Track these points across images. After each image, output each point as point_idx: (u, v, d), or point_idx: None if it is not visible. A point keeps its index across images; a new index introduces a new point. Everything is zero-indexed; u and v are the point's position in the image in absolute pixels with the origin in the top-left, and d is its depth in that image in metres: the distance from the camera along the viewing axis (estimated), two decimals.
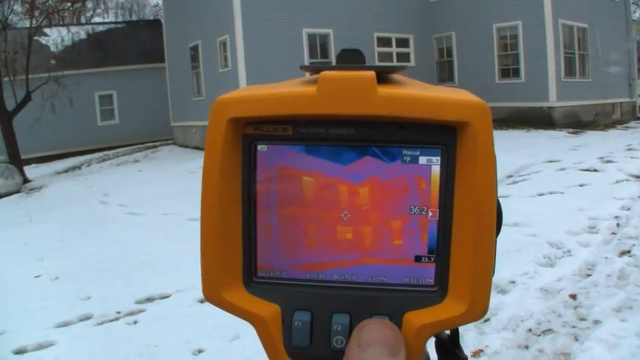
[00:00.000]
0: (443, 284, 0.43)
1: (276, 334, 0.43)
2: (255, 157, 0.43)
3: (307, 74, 0.46)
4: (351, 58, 0.44)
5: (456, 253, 0.42)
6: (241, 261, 0.44)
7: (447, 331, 0.49)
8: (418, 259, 0.43)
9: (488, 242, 0.41)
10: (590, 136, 18.67)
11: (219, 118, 0.42)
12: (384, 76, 0.44)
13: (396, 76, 0.47)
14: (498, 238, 0.45)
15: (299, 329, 0.42)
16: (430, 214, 0.42)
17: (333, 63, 0.44)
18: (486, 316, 5.07)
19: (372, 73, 0.40)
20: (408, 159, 0.42)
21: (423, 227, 0.43)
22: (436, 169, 0.42)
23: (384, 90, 0.40)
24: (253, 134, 0.43)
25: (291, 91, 0.41)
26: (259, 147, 0.43)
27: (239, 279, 0.44)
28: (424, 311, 0.42)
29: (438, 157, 0.42)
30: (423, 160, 0.42)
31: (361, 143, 0.42)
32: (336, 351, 0.41)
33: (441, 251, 0.43)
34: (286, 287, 0.43)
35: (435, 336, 0.48)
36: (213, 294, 0.43)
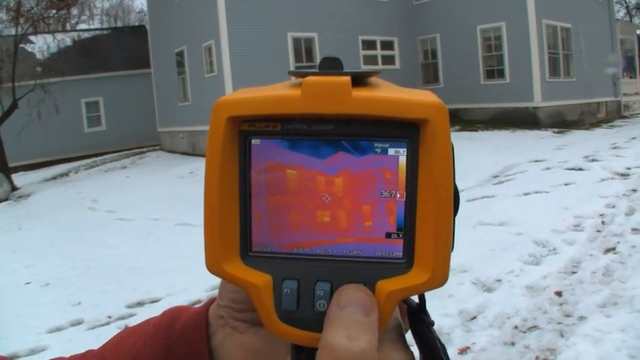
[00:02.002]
0: (409, 257, 0.50)
1: (268, 299, 0.50)
2: (250, 150, 0.51)
3: (293, 78, 0.53)
4: (331, 65, 0.50)
5: (420, 230, 0.49)
6: (238, 239, 0.51)
7: (416, 300, 0.56)
8: (388, 235, 0.50)
9: (447, 219, 0.48)
10: (576, 136, 18.79)
11: (219, 116, 0.50)
12: (361, 80, 0.51)
13: (373, 79, 0.53)
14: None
15: (288, 295, 0.50)
16: (398, 195, 0.49)
17: (317, 67, 0.52)
18: (473, 314, 5.16)
19: (347, 78, 0.48)
20: (379, 150, 0.49)
21: (391, 210, 0.50)
22: (403, 159, 0.49)
23: (357, 92, 0.48)
24: (248, 130, 0.50)
25: (280, 93, 0.49)
26: (253, 141, 0.50)
27: (236, 253, 0.51)
28: (393, 279, 0.49)
29: (405, 149, 0.49)
30: (391, 151, 0.49)
31: (339, 137, 0.49)
32: (319, 313, 0.48)
33: (407, 229, 0.50)
34: (277, 260, 0.51)
35: (406, 304, 0.56)
36: (214, 265, 0.50)
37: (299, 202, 0.50)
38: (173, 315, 0.70)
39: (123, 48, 32.47)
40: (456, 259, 6.27)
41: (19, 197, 18.09)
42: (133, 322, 5.99)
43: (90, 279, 7.68)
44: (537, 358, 4.40)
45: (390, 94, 0.48)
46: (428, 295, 0.53)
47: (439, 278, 0.49)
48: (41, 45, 27.48)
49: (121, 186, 17.29)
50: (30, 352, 5.38)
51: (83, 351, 0.75)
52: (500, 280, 5.97)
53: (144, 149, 28.06)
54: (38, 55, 27.70)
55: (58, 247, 10.03)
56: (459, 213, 0.53)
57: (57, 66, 25.67)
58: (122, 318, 6.17)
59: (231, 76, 19.73)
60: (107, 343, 0.74)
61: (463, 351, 4.52)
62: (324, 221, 0.50)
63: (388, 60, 24.02)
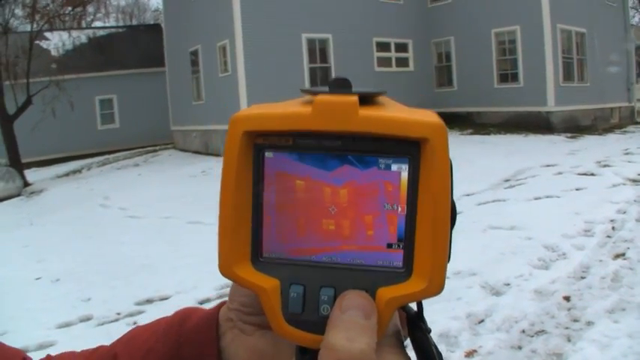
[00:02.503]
0: (409, 266, 0.53)
1: (275, 302, 0.53)
2: (263, 162, 0.54)
3: (305, 95, 0.56)
4: (341, 85, 0.53)
5: (419, 241, 0.52)
6: (250, 245, 0.55)
7: (415, 308, 0.59)
8: (389, 245, 0.53)
9: (444, 232, 0.51)
10: (588, 141, 18.72)
11: (236, 130, 0.54)
12: (368, 99, 0.54)
13: (380, 99, 0.57)
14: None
15: (294, 299, 0.53)
16: (399, 209, 0.52)
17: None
18: (481, 317, 5.16)
19: (355, 98, 0.51)
20: (382, 166, 0.52)
21: (393, 221, 0.53)
22: (405, 174, 0.52)
23: (364, 112, 0.51)
24: (262, 144, 0.54)
25: (293, 110, 0.52)
26: (267, 154, 0.54)
27: (247, 258, 0.55)
28: (393, 287, 0.52)
29: (407, 165, 0.52)
30: (394, 167, 0.52)
31: (346, 152, 0.53)
32: (323, 316, 0.52)
33: (407, 240, 0.53)
34: (285, 266, 0.54)
35: (405, 312, 0.59)
36: (226, 269, 0.54)
37: (306, 210, 0.54)
38: (185, 315, 0.73)
39: (138, 46, 32.61)
40: (466, 262, 6.30)
41: (32, 193, 18.20)
42: (142, 319, 6.03)
43: (100, 275, 7.73)
44: None
45: (394, 114, 0.52)
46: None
47: (436, 287, 0.52)
48: (56, 42, 27.63)
49: (133, 184, 17.37)
50: (39, 347, 5.43)
51: (94, 346, 0.78)
52: (509, 284, 5.97)
53: (156, 147, 28.16)
54: (53, 52, 27.89)
55: (68, 243, 10.09)
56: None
57: (72, 63, 25.86)
58: (131, 315, 6.20)
59: (244, 76, 19.77)
60: (119, 339, 0.77)
61: (470, 354, 4.52)
62: (329, 229, 0.53)
63: (402, 62, 24.01)
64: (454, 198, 0.53)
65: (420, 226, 0.52)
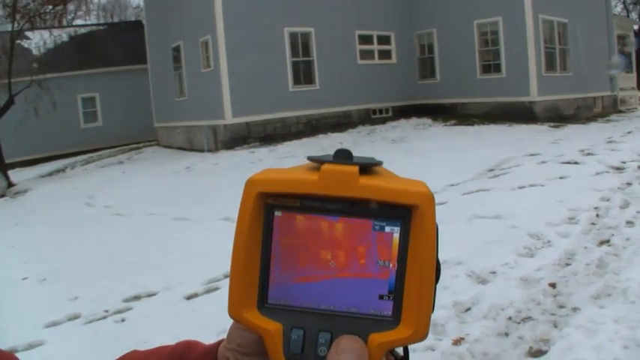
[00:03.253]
0: (397, 315, 0.60)
1: (278, 343, 0.60)
2: (273, 220, 0.61)
3: (311, 162, 0.63)
4: (343, 156, 0.61)
5: (407, 293, 0.59)
6: (257, 292, 0.62)
7: (401, 352, 0.68)
8: (381, 297, 0.60)
9: (429, 287, 0.59)
10: (572, 130, 18.82)
11: (251, 191, 0.60)
12: (367, 169, 0.61)
13: (377, 168, 0.63)
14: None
15: (295, 341, 0.60)
16: (391, 265, 0.60)
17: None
18: (467, 306, 5.20)
19: (355, 168, 0.59)
20: (377, 227, 0.60)
21: (385, 275, 0.60)
22: (396, 236, 0.59)
23: (363, 180, 0.59)
24: (273, 204, 0.61)
25: (302, 177, 0.60)
26: (276, 213, 0.61)
27: (254, 304, 0.61)
28: (383, 333, 0.59)
29: (398, 227, 0.59)
30: (388, 229, 0.60)
31: (346, 215, 0.60)
32: (320, 357, 0.59)
33: (397, 292, 0.60)
34: (287, 312, 0.61)
35: (392, 356, 0.67)
36: (236, 313, 0.61)
37: (306, 242, 0.61)
38: (187, 346, 0.78)
39: (119, 43, 32.46)
40: (451, 251, 6.34)
41: (16, 193, 18.09)
42: (130, 316, 6.04)
43: (87, 274, 7.71)
44: (531, 348, 4.44)
45: (389, 184, 0.59)
46: None
47: (421, 334, 0.59)
48: (37, 41, 27.41)
49: (117, 181, 17.31)
50: (28, 347, 5.42)
51: None
52: (494, 272, 6.01)
53: (140, 145, 28.07)
54: (35, 51, 27.66)
55: (54, 242, 10.05)
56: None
57: (53, 62, 25.68)
58: (119, 312, 6.19)
59: (227, 71, 19.74)
60: None
61: (457, 342, 4.55)
62: (326, 259, 0.60)
63: (385, 55, 24.03)
64: (439, 257, 0.61)
65: (408, 280, 0.59)
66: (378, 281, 0.60)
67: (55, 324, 6.03)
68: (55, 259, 8.71)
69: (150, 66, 27.35)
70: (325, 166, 0.59)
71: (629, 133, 17.17)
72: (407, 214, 0.59)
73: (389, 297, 0.60)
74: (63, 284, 7.35)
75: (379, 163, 0.63)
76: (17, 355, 0.83)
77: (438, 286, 0.62)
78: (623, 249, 6.47)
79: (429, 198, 0.58)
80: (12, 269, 8.34)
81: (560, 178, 10.56)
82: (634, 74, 30.27)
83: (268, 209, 0.61)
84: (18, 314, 6.42)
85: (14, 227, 12.17)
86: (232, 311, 0.61)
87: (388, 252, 0.59)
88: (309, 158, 0.63)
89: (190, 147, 22.73)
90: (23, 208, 15.09)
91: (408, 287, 0.59)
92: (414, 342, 0.59)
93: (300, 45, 21.57)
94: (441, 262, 0.61)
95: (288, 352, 0.59)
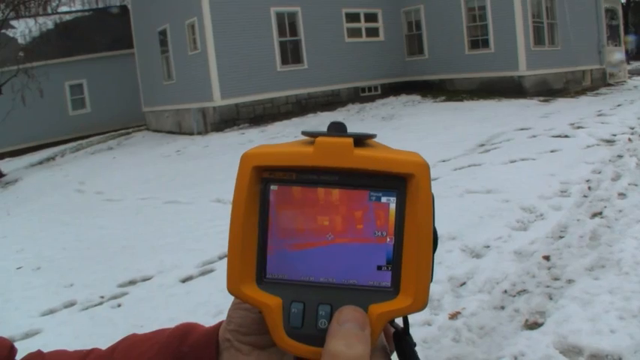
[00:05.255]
0: (396, 285, 0.60)
1: (278, 318, 0.60)
2: (269, 194, 0.61)
3: (306, 137, 0.63)
4: (338, 129, 0.61)
5: (405, 263, 0.59)
6: (255, 267, 0.61)
7: (401, 324, 0.67)
8: (379, 267, 0.60)
9: (427, 256, 0.59)
10: (561, 104, 18.85)
11: (246, 165, 0.60)
12: (361, 141, 0.62)
13: (371, 141, 0.64)
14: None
15: (295, 315, 0.60)
16: (388, 238, 0.60)
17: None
18: (462, 280, 5.23)
19: (350, 140, 0.59)
20: (373, 198, 0.60)
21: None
22: (392, 206, 0.60)
23: (358, 151, 0.59)
24: (269, 177, 0.61)
25: (297, 149, 0.60)
26: (272, 187, 0.61)
27: (253, 279, 0.61)
28: (382, 304, 0.59)
29: (394, 198, 0.60)
30: (384, 199, 0.60)
31: (342, 186, 0.60)
32: (320, 330, 0.59)
33: (395, 262, 0.60)
34: (286, 286, 0.61)
35: (393, 327, 0.67)
36: (234, 288, 0.61)
37: (303, 209, 0.60)
38: (186, 329, 0.77)
39: (105, 29, 32.23)
40: (445, 226, 6.36)
41: (7, 184, 18.05)
42: (125, 300, 6.04)
43: (81, 260, 7.70)
44: (527, 321, 4.46)
45: (383, 154, 0.59)
46: None
47: (420, 303, 0.59)
48: (23, 29, 27.28)
49: (107, 167, 17.27)
50: (24, 336, 5.41)
51: (88, 348, 0.81)
52: (488, 247, 6.04)
53: (129, 130, 28.04)
54: (20, 40, 27.50)
55: (47, 230, 10.03)
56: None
57: (40, 50, 25.49)
58: (115, 297, 6.19)
59: (215, 53, 19.69)
60: (117, 345, 0.80)
61: (454, 316, 4.58)
62: (323, 225, 0.60)
63: (372, 32, 23.97)
64: (435, 226, 0.61)
65: (406, 250, 0.59)
66: (376, 247, 0.60)
67: (51, 312, 6.03)
68: (49, 247, 8.70)
69: (136, 51, 27.23)
70: (320, 139, 0.59)
71: (618, 105, 17.21)
72: (402, 184, 0.59)
73: (387, 267, 0.60)
74: (57, 272, 7.34)
75: (373, 136, 0.64)
76: (15, 344, 0.83)
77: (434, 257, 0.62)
78: (615, 221, 6.50)
79: (424, 167, 0.58)
80: (6, 259, 8.32)
81: (551, 151, 10.58)
82: (622, 47, 30.26)
83: (264, 184, 0.61)
84: (14, 304, 6.41)
85: (6, 217, 12.12)
86: (231, 287, 0.61)
87: (385, 222, 0.60)
88: (304, 132, 0.63)
89: (180, 130, 22.68)
90: (14, 197, 15.04)
91: (406, 257, 0.59)
92: (414, 311, 0.59)
93: (287, 25, 21.50)
94: None
95: (288, 326, 0.60)
